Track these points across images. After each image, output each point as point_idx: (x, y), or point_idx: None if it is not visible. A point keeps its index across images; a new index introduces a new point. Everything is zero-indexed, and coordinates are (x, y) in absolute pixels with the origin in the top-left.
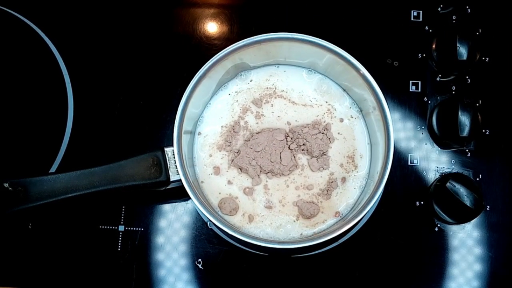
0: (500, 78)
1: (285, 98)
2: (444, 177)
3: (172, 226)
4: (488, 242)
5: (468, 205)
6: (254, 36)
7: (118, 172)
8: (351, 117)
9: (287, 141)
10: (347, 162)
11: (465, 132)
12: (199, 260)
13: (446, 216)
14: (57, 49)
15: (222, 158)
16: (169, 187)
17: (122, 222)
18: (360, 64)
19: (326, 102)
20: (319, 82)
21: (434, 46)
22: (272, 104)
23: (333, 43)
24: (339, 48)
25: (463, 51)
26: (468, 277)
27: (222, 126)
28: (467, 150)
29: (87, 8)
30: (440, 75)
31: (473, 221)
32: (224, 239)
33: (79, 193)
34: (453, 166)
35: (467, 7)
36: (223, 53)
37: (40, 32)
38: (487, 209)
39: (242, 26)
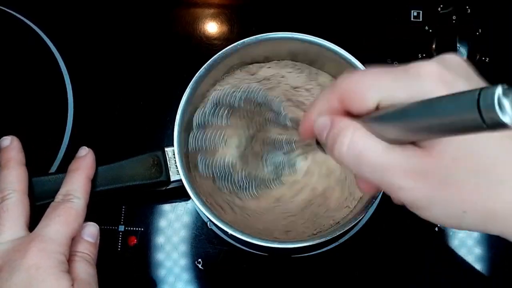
0: (500, 78)
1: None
2: None
3: (172, 226)
4: (488, 242)
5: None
6: (254, 36)
7: (118, 172)
8: None
9: None
10: None
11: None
12: (199, 260)
13: None
14: (57, 49)
15: None
16: (169, 187)
17: (122, 222)
18: (360, 64)
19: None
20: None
21: (434, 46)
22: None
23: (333, 43)
24: (339, 48)
25: (463, 51)
26: (468, 277)
27: None
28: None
29: (87, 8)
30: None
31: None
32: (224, 239)
33: None
34: None
35: (467, 7)
36: (223, 53)
37: (40, 32)
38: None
39: (242, 26)
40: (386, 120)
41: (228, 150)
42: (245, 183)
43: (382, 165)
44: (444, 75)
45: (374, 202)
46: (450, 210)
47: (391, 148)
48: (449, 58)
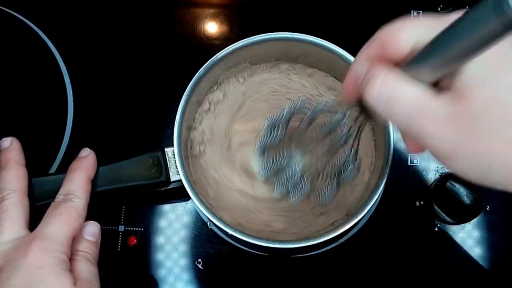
0: None
1: None
2: (444, 177)
3: (172, 226)
4: (488, 242)
5: (468, 205)
6: (254, 36)
7: (118, 173)
8: None
9: None
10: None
11: None
12: (199, 260)
13: (446, 216)
14: (57, 49)
15: None
16: (169, 187)
17: (122, 222)
18: None
19: (334, 98)
20: (324, 79)
21: None
22: None
23: (333, 43)
24: (339, 48)
25: None
26: (468, 277)
27: None
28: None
29: (87, 8)
30: None
31: (473, 221)
32: (224, 239)
33: None
34: None
35: (467, 7)
36: (223, 53)
37: (40, 32)
38: (487, 209)
39: (242, 26)
40: (420, 58)
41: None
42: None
43: (411, 110)
44: None
45: (373, 203)
46: (476, 161)
47: (422, 94)
48: None
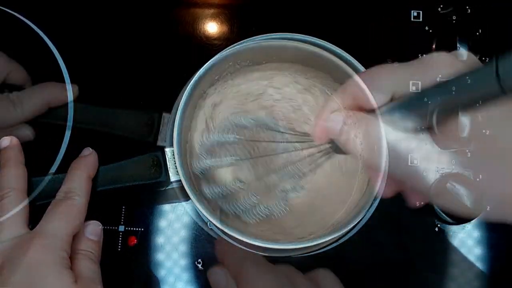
0: None
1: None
2: (444, 177)
3: (172, 226)
4: (488, 242)
5: (468, 205)
6: (254, 36)
7: (118, 172)
8: None
9: None
10: None
11: (465, 133)
12: (199, 260)
13: (446, 216)
14: (57, 49)
15: None
16: (169, 187)
17: (122, 222)
18: (359, 64)
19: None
20: (323, 80)
21: (434, 46)
22: None
23: (333, 43)
24: (338, 48)
25: (463, 51)
26: (468, 277)
27: None
28: (467, 151)
29: (87, 8)
30: (440, 75)
31: (473, 221)
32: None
33: None
34: (453, 166)
35: (467, 7)
36: (223, 54)
37: (40, 32)
38: (487, 209)
39: (242, 26)
40: (403, 107)
41: (232, 175)
42: (251, 208)
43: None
44: (456, 62)
45: (373, 203)
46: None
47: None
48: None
